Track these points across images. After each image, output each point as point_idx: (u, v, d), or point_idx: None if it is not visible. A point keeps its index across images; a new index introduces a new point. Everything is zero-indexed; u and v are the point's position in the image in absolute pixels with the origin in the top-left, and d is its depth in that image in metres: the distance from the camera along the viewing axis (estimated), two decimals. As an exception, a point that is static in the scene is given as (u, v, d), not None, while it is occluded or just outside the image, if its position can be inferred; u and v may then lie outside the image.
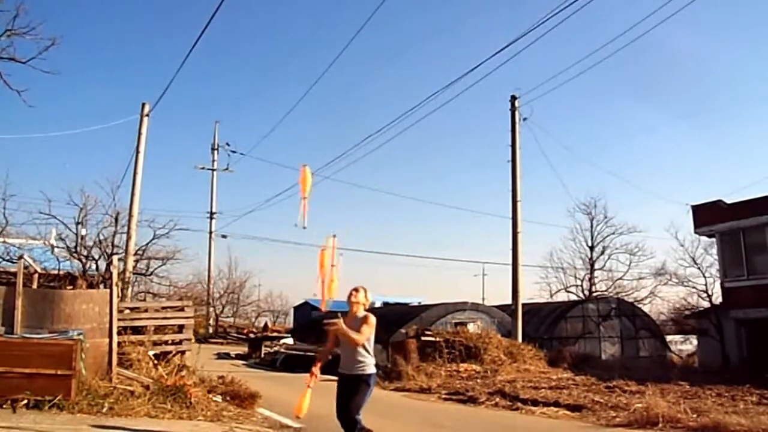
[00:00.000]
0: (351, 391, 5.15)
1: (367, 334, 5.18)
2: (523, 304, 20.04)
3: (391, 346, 17.16)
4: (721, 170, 58.56)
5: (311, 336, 22.51)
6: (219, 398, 8.49)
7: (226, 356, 22.73)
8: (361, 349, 5.18)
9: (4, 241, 14.70)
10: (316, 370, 5.46)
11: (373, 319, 5.29)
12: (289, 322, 41.56)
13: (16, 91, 10.08)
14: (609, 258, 28.20)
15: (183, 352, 9.44)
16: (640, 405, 9.26)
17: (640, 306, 25.43)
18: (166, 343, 9.39)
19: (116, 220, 15.46)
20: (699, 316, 20.66)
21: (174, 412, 7.12)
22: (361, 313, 5.42)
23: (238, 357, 22.75)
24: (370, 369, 5.23)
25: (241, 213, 60.78)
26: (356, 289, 5.50)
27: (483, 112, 67.40)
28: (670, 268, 23.37)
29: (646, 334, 23.49)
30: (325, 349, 5.73)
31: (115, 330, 8.10)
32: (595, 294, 26.90)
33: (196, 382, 8.51)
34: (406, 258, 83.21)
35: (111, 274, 8.95)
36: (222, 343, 29.24)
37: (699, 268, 21.32)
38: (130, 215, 14.68)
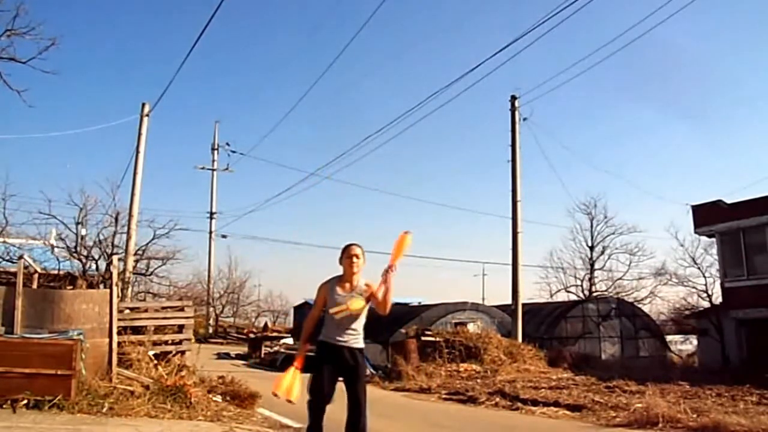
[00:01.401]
0: (353, 371, 4.38)
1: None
2: (523, 304, 20.04)
3: (391, 346, 17.17)
4: (721, 170, 58.59)
5: (311, 336, 22.48)
6: (219, 398, 8.48)
7: (226, 356, 22.74)
8: (358, 320, 4.52)
9: (4, 241, 14.69)
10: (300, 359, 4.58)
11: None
12: (289, 322, 41.54)
13: (16, 91, 10.10)
14: (609, 258, 28.23)
15: (183, 352, 9.42)
16: (640, 405, 9.26)
17: (640, 306, 25.45)
18: (166, 343, 9.37)
19: (116, 220, 15.43)
20: (699, 316, 20.67)
21: (174, 412, 7.11)
22: (361, 280, 4.61)
23: (238, 357, 22.75)
24: (362, 342, 4.62)
25: (241, 213, 60.90)
26: (359, 247, 4.63)
27: (483, 112, 67.44)
28: (670, 268, 23.44)
29: (646, 334, 23.50)
30: (311, 317, 4.72)
31: (115, 330, 8.09)
32: (595, 294, 26.90)
33: (196, 382, 8.50)
34: (406, 258, 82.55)
35: (111, 274, 8.94)
36: (222, 343, 29.25)
37: (699, 268, 21.39)
38: (130, 215, 14.68)
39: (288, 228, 69.12)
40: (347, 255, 4.58)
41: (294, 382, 4.42)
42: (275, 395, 4.44)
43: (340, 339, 4.44)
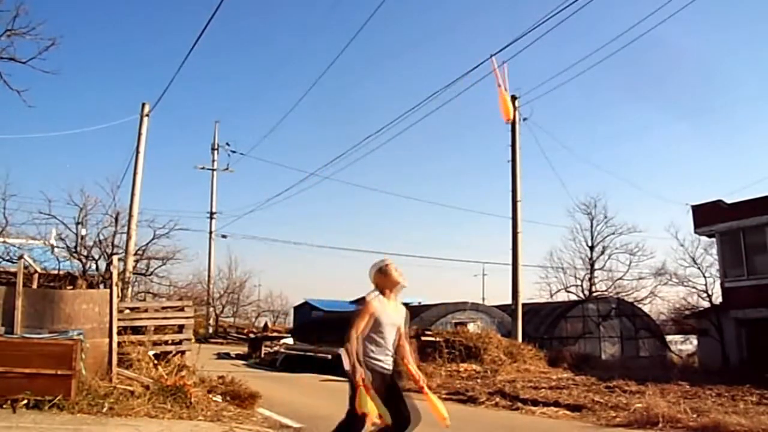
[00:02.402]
0: (398, 389, 4.38)
1: None
2: (523, 304, 20.03)
3: (390, 346, 17.16)
4: (721, 170, 58.61)
5: (311, 336, 22.53)
6: (219, 398, 8.48)
7: (226, 356, 22.73)
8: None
9: (4, 241, 14.70)
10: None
11: None
12: (289, 322, 41.54)
13: (16, 91, 10.10)
14: (609, 258, 28.26)
15: (183, 352, 9.43)
16: (640, 405, 9.24)
17: (640, 306, 25.46)
18: (166, 343, 9.38)
19: (116, 220, 15.46)
20: (699, 316, 20.67)
21: (174, 412, 7.11)
22: (398, 299, 4.54)
23: (238, 357, 22.75)
24: None
25: (241, 213, 60.90)
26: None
27: (483, 112, 67.41)
28: (670, 268, 23.44)
29: (646, 334, 23.51)
30: (361, 332, 4.27)
31: (115, 330, 8.09)
32: (595, 294, 26.91)
33: (196, 382, 8.50)
34: (406, 258, 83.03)
35: (111, 274, 8.95)
36: (222, 343, 29.24)
37: (699, 268, 21.39)
38: (130, 215, 14.69)
39: (288, 228, 69.29)
40: (394, 272, 4.50)
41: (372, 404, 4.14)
42: (364, 415, 4.12)
43: (388, 367, 4.41)
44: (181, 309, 10.02)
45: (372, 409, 4.07)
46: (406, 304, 4.73)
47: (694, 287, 21.83)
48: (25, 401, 6.49)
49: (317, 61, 68.30)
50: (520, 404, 10.52)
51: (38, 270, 10.59)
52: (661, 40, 56.58)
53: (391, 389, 4.30)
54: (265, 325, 34.79)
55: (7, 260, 14.00)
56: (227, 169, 36.77)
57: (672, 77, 63.95)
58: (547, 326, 22.00)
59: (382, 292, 4.48)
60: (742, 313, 18.05)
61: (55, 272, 12.65)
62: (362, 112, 72.19)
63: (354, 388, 4.06)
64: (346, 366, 4.14)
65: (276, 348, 21.99)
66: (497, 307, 22.98)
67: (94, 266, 14.33)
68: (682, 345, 26.41)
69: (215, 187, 36.75)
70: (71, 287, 11.66)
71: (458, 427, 8.94)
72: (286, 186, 59.02)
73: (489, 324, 20.35)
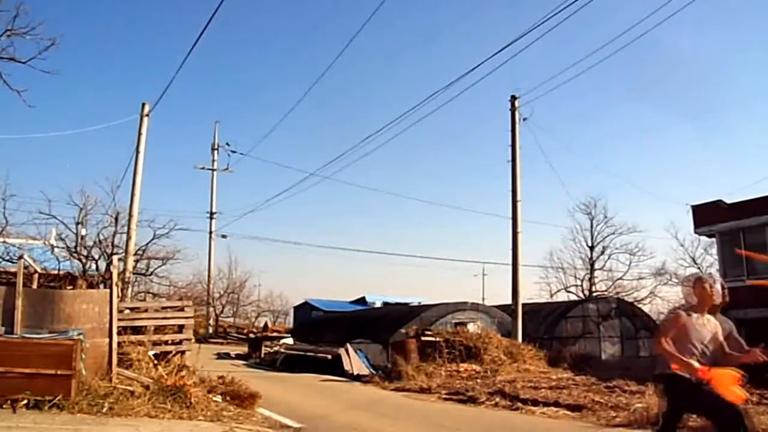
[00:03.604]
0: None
1: None
2: (523, 304, 20.03)
3: (391, 346, 17.17)
4: (721, 170, 58.56)
5: (311, 336, 22.55)
6: (219, 398, 8.49)
7: (226, 356, 22.74)
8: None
9: (4, 241, 14.70)
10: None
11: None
12: (289, 322, 41.55)
13: (16, 91, 10.06)
14: (609, 258, 28.31)
15: (183, 352, 9.43)
16: (640, 405, 9.25)
17: (640, 306, 25.46)
18: (166, 343, 9.38)
19: (116, 220, 15.50)
20: (699, 316, 20.65)
21: (174, 412, 7.12)
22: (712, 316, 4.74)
23: (238, 357, 22.76)
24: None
25: (241, 213, 60.91)
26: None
27: (483, 112, 67.44)
28: (670, 268, 23.50)
29: (646, 334, 23.49)
30: (666, 341, 4.50)
31: (115, 330, 8.10)
32: (595, 294, 26.93)
33: (196, 382, 8.50)
34: (406, 258, 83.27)
35: (111, 274, 8.95)
36: (222, 343, 29.27)
37: (699, 268, 21.43)
38: (130, 215, 14.68)
39: (288, 228, 69.31)
40: (707, 289, 4.60)
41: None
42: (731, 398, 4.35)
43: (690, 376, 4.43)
44: (181, 309, 10.02)
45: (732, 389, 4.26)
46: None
47: (694, 287, 21.83)
48: (25, 401, 6.49)
49: (317, 61, 68.35)
50: (520, 404, 10.53)
51: (38, 270, 10.60)
52: (661, 40, 56.61)
53: (690, 399, 4.44)
54: (265, 325, 34.78)
55: (7, 260, 14.01)
56: (227, 169, 36.82)
57: (672, 77, 63.96)
58: (547, 326, 21.97)
59: (694, 307, 4.59)
60: (743, 313, 18.03)
61: (55, 272, 12.66)
62: (363, 111, 72.28)
63: (687, 390, 4.32)
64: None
65: (276, 348, 22.00)
66: (497, 307, 22.96)
67: (94, 266, 14.35)
68: (682, 345, 26.40)
69: (215, 187, 36.83)
70: (71, 287, 11.67)
71: (458, 427, 8.95)
72: (286, 186, 59.05)
73: (489, 324, 20.32)
